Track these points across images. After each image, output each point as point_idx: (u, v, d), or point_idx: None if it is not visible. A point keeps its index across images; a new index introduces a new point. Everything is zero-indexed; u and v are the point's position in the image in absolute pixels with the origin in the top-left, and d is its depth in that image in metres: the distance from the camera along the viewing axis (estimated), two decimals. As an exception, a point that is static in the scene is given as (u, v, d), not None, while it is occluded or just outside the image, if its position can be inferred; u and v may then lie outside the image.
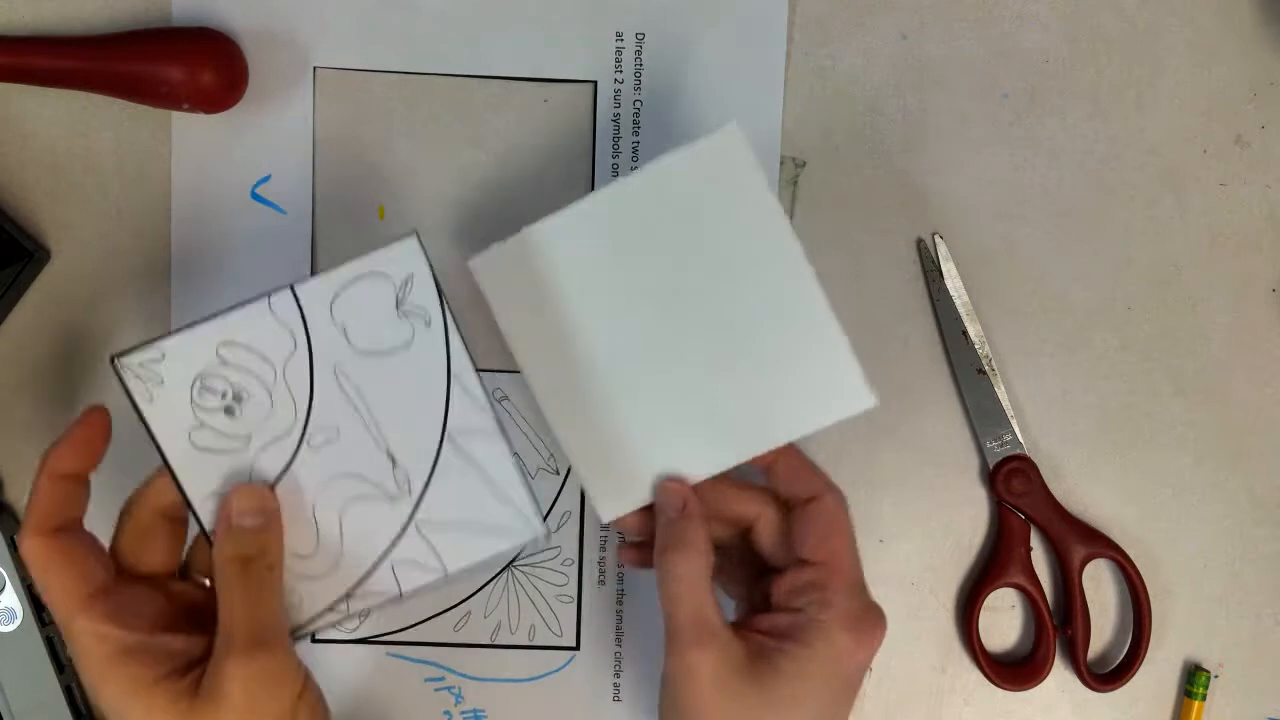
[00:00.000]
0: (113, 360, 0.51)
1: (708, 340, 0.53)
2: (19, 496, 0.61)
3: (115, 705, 0.48)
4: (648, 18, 0.60)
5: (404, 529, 0.53)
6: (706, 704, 0.50)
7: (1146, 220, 0.62)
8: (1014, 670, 0.62)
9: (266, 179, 0.60)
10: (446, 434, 0.53)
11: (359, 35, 0.60)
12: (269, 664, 0.49)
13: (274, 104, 0.60)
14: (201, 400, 0.51)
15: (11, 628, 0.60)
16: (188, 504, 0.52)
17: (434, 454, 0.53)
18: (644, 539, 0.55)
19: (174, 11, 0.59)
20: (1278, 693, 0.63)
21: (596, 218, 0.53)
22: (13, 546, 0.60)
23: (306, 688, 0.51)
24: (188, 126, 0.60)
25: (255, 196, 0.60)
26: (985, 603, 0.62)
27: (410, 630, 0.62)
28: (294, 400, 0.52)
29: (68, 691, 0.60)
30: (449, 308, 0.53)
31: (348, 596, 0.53)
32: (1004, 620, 0.63)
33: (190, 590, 0.54)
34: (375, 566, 0.53)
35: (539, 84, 0.61)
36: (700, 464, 0.54)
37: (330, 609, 0.53)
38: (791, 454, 0.54)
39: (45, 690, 0.60)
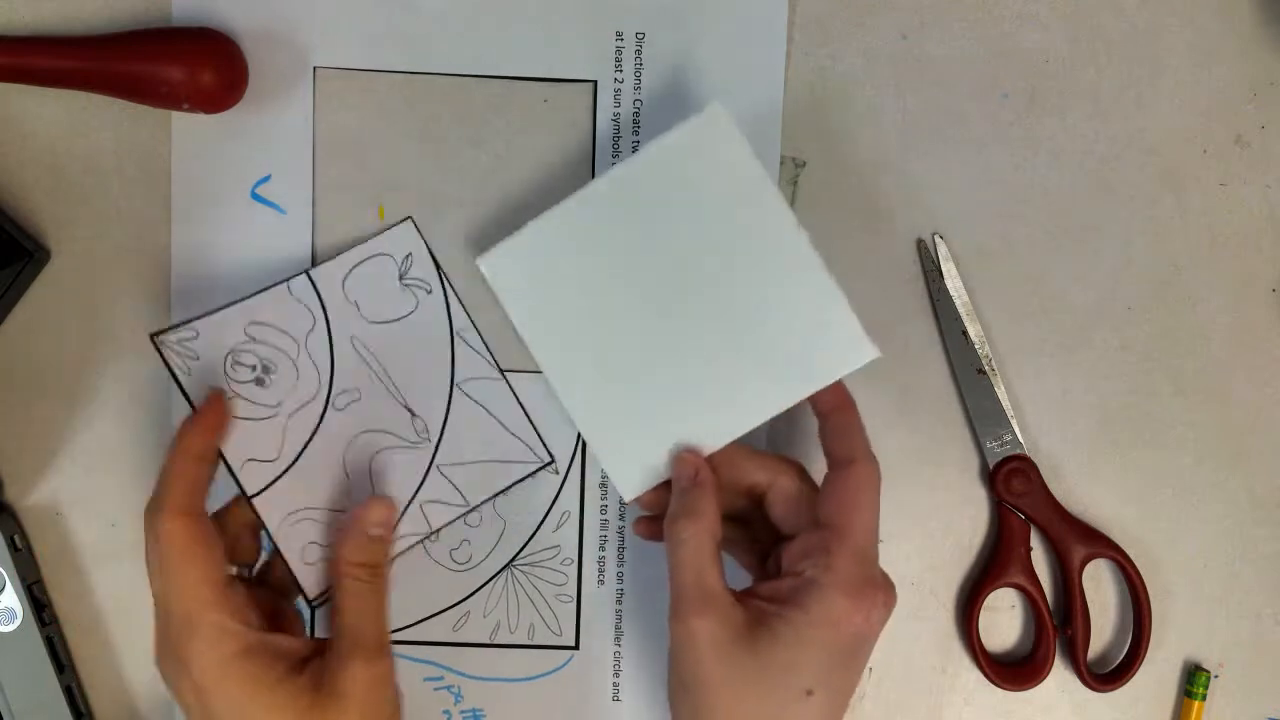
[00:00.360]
0: (152, 338, 0.56)
1: (713, 312, 0.56)
2: (19, 496, 0.62)
3: (235, 703, 0.49)
4: (648, 18, 0.61)
5: (427, 472, 0.59)
6: (707, 671, 0.51)
7: (1146, 220, 0.62)
8: (1014, 670, 0.63)
9: (266, 179, 0.61)
10: (455, 383, 0.60)
11: (359, 35, 0.60)
12: (387, 668, 0.52)
13: (274, 104, 0.60)
14: (234, 373, 0.57)
15: (11, 628, 0.60)
16: (229, 468, 0.56)
17: (446, 402, 0.59)
18: (658, 513, 0.56)
19: (174, 11, 0.60)
20: (1278, 693, 0.64)
21: (596, 206, 0.56)
22: (13, 546, 0.60)
23: (400, 692, 0.53)
24: (188, 126, 0.60)
25: (255, 196, 0.61)
26: (985, 603, 0.62)
27: (410, 629, 0.63)
28: (317, 369, 0.58)
29: (68, 692, 0.61)
30: (446, 276, 0.61)
31: None
32: (1004, 620, 0.64)
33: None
34: (405, 509, 0.59)
35: (539, 84, 0.61)
36: (714, 434, 0.56)
37: None
38: (848, 410, 0.55)
39: (45, 690, 0.60)
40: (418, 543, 0.60)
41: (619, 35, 0.61)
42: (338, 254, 0.59)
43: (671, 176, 0.55)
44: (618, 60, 0.61)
